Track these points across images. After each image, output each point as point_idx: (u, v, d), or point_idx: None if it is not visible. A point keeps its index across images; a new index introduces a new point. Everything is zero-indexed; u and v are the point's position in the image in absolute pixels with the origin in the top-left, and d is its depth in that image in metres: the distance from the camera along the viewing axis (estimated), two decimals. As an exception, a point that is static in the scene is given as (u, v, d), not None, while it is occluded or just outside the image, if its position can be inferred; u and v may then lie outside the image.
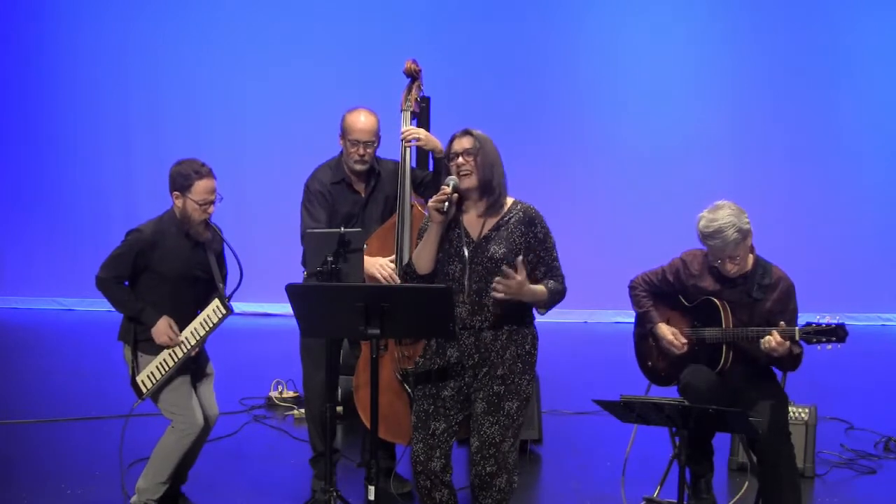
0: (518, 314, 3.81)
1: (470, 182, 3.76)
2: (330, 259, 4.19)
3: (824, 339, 4.22)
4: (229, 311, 4.40)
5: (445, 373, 3.81)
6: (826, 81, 9.81)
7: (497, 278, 3.66)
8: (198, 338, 4.40)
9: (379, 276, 4.56)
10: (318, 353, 4.76)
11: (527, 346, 3.83)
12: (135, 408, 4.56)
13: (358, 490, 4.83)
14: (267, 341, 8.46)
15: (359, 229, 4.43)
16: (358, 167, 4.77)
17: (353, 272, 4.25)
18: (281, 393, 6.62)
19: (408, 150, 4.77)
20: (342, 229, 4.31)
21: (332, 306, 3.75)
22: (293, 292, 3.73)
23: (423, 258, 3.82)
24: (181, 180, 4.36)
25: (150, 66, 9.94)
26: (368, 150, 4.76)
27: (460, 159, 3.76)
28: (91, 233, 9.77)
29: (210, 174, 4.39)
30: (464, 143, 3.78)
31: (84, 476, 5.15)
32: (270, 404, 6.55)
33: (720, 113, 9.81)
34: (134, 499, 4.50)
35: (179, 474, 4.61)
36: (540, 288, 3.78)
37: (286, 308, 3.95)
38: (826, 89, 9.81)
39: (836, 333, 4.21)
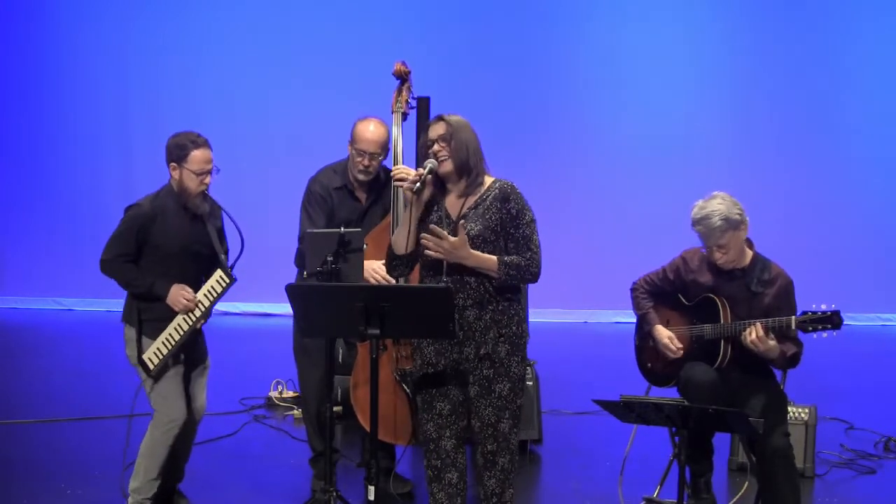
0: (501, 291, 3.82)
1: (447, 166, 3.82)
2: (330, 259, 4.19)
3: (820, 327, 4.23)
4: (233, 279, 4.35)
5: (444, 372, 3.85)
6: (826, 82, 9.81)
7: (423, 234, 3.73)
8: (203, 308, 4.36)
9: (374, 281, 4.54)
10: (313, 352, 4.76)
11: (512, 327, 3.85)
12: (138, 392, 4.48)
13: (358, 490, 4.83)
14: (267, 341, 8.45)
15: (358, 229, 4.42)
16: (361, 177, 4.74)
17: (353, 272, 4.25)
18: (281, 393, 6.62)
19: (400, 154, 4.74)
20: (342, 229, 4.31)
21: (332, 306, 3.75)
22: (293, 292, 3.74)
23: (399, 239, 3.88)
24: (177, 151, 4.34)
25: (151, 66, 9.94)
26: (374, 163, 4.71)
27: (436, 146, 3.83)
28: (91, 233, 9.66)
29: (206, 144, 4.36)
30: (438, 129, 3.85)
31: (84, 476, 5.15)
32: (270, 404, 6.55)
33: (720, 114, 9.81)
34: (130, 500, 4.48)
35: (175, 470, 4.59)
36: (488, 256, 3.77)
37: (286, 308, 3.95)
38: (826, 89, 9.81)
39: (832, 320, 4.22)
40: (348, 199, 4.79)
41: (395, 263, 3.92)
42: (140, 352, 4.38)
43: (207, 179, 4.37)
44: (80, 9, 10.01)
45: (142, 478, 4.43)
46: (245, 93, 9.86)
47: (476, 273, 3.78)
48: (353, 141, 4.73)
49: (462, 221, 3.76)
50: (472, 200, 3.85)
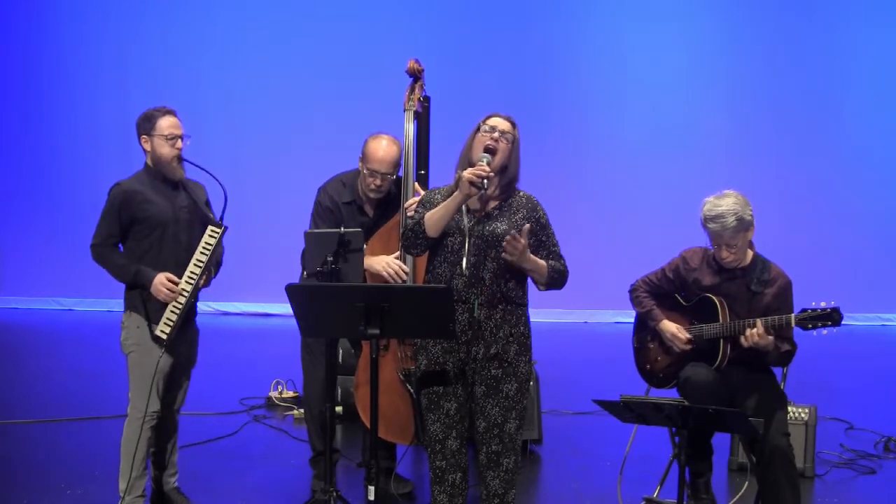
0: (512, 293, 3.84)
1: (497, 161, 3.85)
2: (330, 259, 4.19)
3: (820, 324, 4.22)
4: (223, 227, 4.36)
5: (449, 371, 3.85)
6: (826, 82, 9.82)
7: (507, 237, 3.73)
8: (201, 266, 4.35)
9: (386, 274, 4.53)
10: (319, 352, 4.76)
11: (521, 328, 3.88)
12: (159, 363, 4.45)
13: (358, 490, 4.84)
14: (267, 341, 8.46)
15: (358, 230, 4.42)
16: (372, 195, 4.69)
17: (353, 272, 4.25)
18: (281, 393, 6.62)
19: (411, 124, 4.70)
20: (342, 229, 4.30)
21: (332, 306, 3.75)
22: (293, 292, 3.73)
23: (437, 222, 3.83)
24: (145, 123, 4.40)
25: (151, 68, 9.95)
26: (385, 182, 4.65)
27: (496, 134, 3.86)
28: (91, 234, 9.75)
29: (173, 113, 4.42)
30: (504, 125, 3.92)
31: (84, 476, 5.15)
32: (270, 404, 6.55)
33: (721, 114, 9.83)
34: (127, 499, 4.48)
35: (164, 463, 4.57)
36: (542, 261, 3.87)
37: (286, 308, 3.94)
38: (826, 89, 9.83)
39: (832, 317, 4.22)
40: (357, 215, 4.75)
41: (419, 242, 3.90)
42: (152, 334, 4.36)
43: (179, 144, 4.40)
44: (82, 10, 10.02)
45: (127, 476, 4.43)
46: (248, 94, 9.87)
47: (492, 272, 3.79)
48: (364, 159, 4.66)
49: (527, 226, 3.78)
50: (495, 202, 3.90)
